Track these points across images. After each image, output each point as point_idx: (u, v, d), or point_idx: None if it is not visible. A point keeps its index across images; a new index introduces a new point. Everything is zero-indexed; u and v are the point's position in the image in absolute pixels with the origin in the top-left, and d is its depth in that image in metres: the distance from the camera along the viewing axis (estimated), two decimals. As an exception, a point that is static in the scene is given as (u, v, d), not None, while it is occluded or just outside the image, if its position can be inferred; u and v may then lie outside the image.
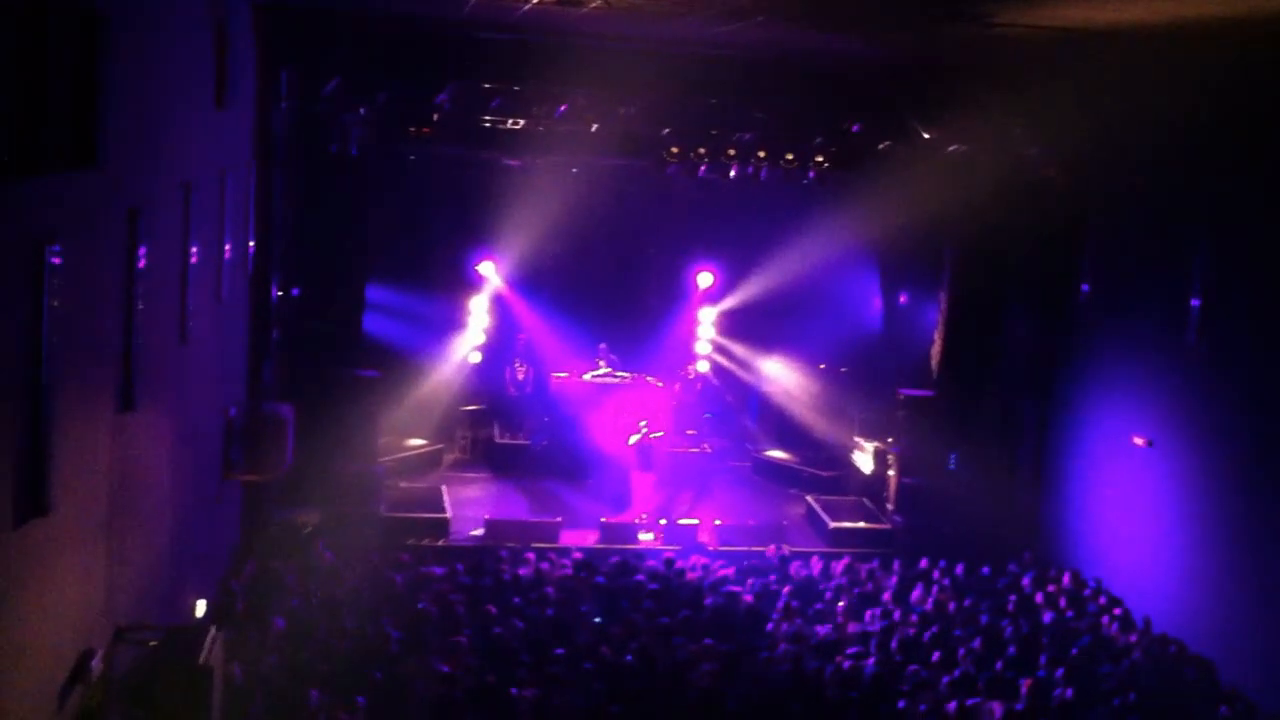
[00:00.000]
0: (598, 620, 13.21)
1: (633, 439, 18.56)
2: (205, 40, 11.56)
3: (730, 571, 15.57)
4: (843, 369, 21.43)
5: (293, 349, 16.84)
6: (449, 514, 17.16)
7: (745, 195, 19.99)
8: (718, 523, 17.50)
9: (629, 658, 12.09)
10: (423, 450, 20.04)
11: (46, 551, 6.68)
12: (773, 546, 16.54)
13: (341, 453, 16.53)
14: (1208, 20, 10.13)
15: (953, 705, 11.62)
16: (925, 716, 11.50)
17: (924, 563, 16.04)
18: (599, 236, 21.33)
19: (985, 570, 16.03)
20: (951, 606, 14.58)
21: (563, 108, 16.67)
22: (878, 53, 14.95)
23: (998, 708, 11.67)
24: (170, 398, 10.24)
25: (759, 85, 16.49)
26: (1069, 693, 12.12)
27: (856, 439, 20.18)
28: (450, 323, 21.27)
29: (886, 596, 14.89)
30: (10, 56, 5.73)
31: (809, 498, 19.10)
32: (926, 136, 16.90)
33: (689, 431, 20.84)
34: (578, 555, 15.68)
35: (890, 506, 18.54)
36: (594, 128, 17.09)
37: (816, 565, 15.96)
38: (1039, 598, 15.20)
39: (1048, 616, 14.51)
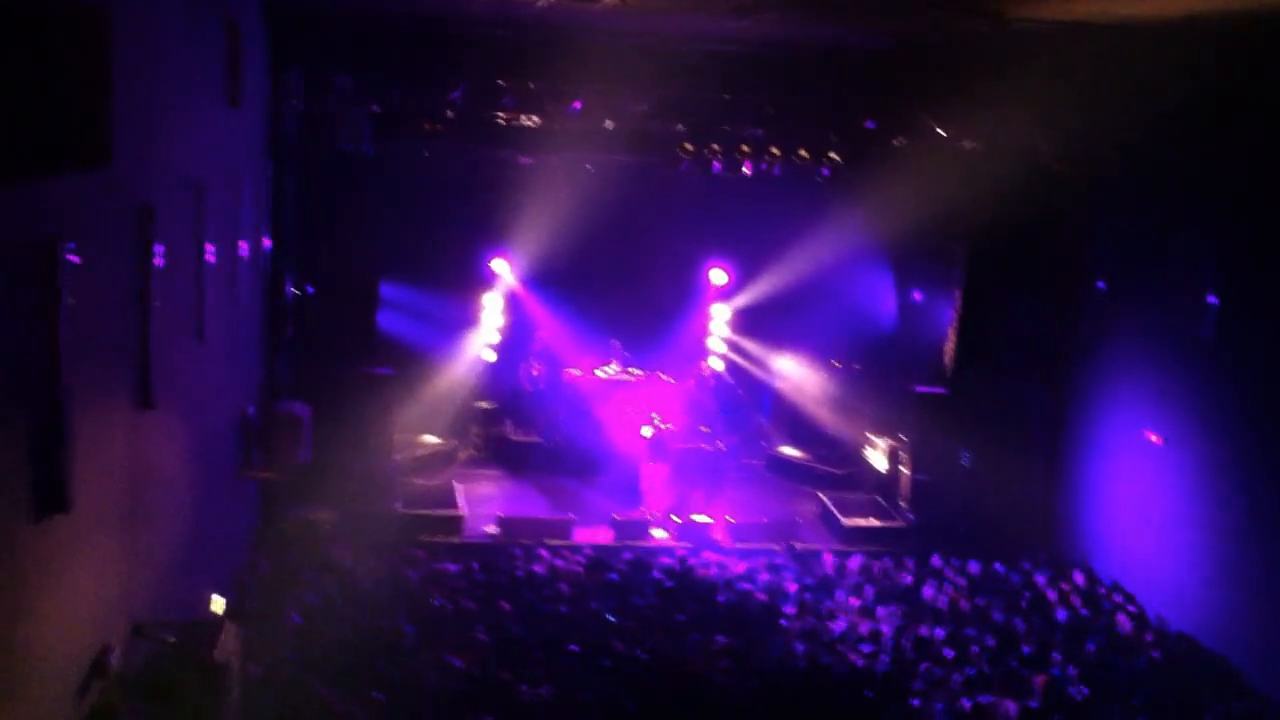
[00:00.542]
0: (611, 617, 13.23)
1: (645, 431, 18.59)
2: (217, 38, 11.58)
3: (743, 568, 15.59)
4: (856, 366, 21.40)
5: (307, 347, 16.88)
6: (463, 511, 17.20)
7: (758, 192, 19.95)
8: (730, 520, 17.51)
9: (643, 655, 12.10)
10: (436, 447, 20.08)
11: (65, 548, 6.72)
12: (785, 544, 16.54)
13: (356, 450, 16.56)
14: (1222, 12, 10.10)
15: (967, 703, 11.61)
16: (939, 714, 11.49)
17: (937, 560, 16.03)
18: (612, 233, 21.29)
19: (999, 567, 16.01)
20: (965, 604, 14.56)
21: (576, 105, 16.67)
22: (891, 48, 14.94)
23: (1012, 706, 11.66)
24: (187, 396, 10.28)
25: (772, 81, 16.48)
26: (1084, 691, 12.10)
27: (869, 436, 20.16)
28: (463, 320, 21.29)
29: (900, 594, 14.89)
30: (19, 56, 5.75)
31: (822, 495, 19.08)
32: (939, 132, 16.87)
33: (702, 428, 20.83)
34: (590, 552, 15.71)
35: (903, 503, 18.52)
36: (607, 124, 17.09)
37: (830, 562, 15.97)
38: (1052, 595, 15.18)
39: (1062, 614, 14.48)
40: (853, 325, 21.64)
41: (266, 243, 14.95)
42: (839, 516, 18.00)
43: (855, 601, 14.45)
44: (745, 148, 17.66)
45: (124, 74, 7.35)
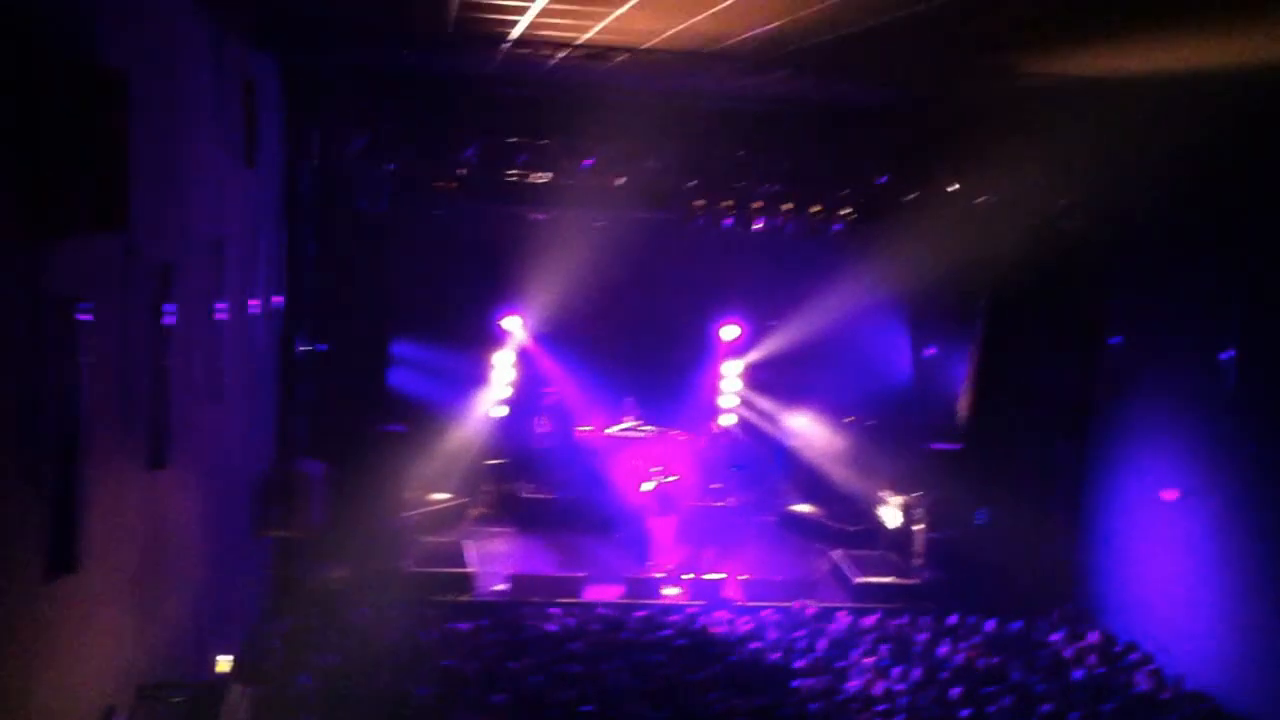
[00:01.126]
0: (625, 676, 13.09)
1: (647, 485, 18.54)
2: (235, 99, 11.68)
3: (756, 627, 15.45)
4: (870, 422, 21.30)
5: (320, 405, 16.87)
6: (474, 569, 17.09)
7: (771, 247, 20.00)
8: (744, 577, 17.36)
9: (656, 715, 11.96)
10: (447, 504, 20.00)
11: (75, 608, 6.67)
12: (799, 602, 16.40)
13: (369, 508, 16.48)
14: (1236, 66, 10.12)
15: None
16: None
17: (953, 618, 15.87)
18: (624, 290, 21.35)
19: (1015, 625, 15.84)
20: (981, 663, 14.39)
21: (588, 161, 16.76)
22: (903, 104, 15.00)
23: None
24: (202, 455, 10.26)
25: (784, 137, 16.56)
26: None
27: (884, 493, 20.03)
28: (475, 377, 21.29)
29: (915, 652, 14.72)
30: (38, 117, 5.80)
31: (836, 552, 18.94)
32: (953, 187, 16.90)
33: (715, 485, 20.74)
34: (603, 610, 15.59)
35: (918, 561, 18.36)
36: (619, 181, 17.17)
37: (844, 621, 15.81)
38: (1069, 653, 15.01)
39: (1079, 674, 14.30)
40: (866, 381, 21.58)
41: (280, 301, 14.99)
42: (853, 574, 17.85)
43: (870, 660, 14.29)
44: (758, 204, 17.68)
45: (142, 135, 7.41)
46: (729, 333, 22.20)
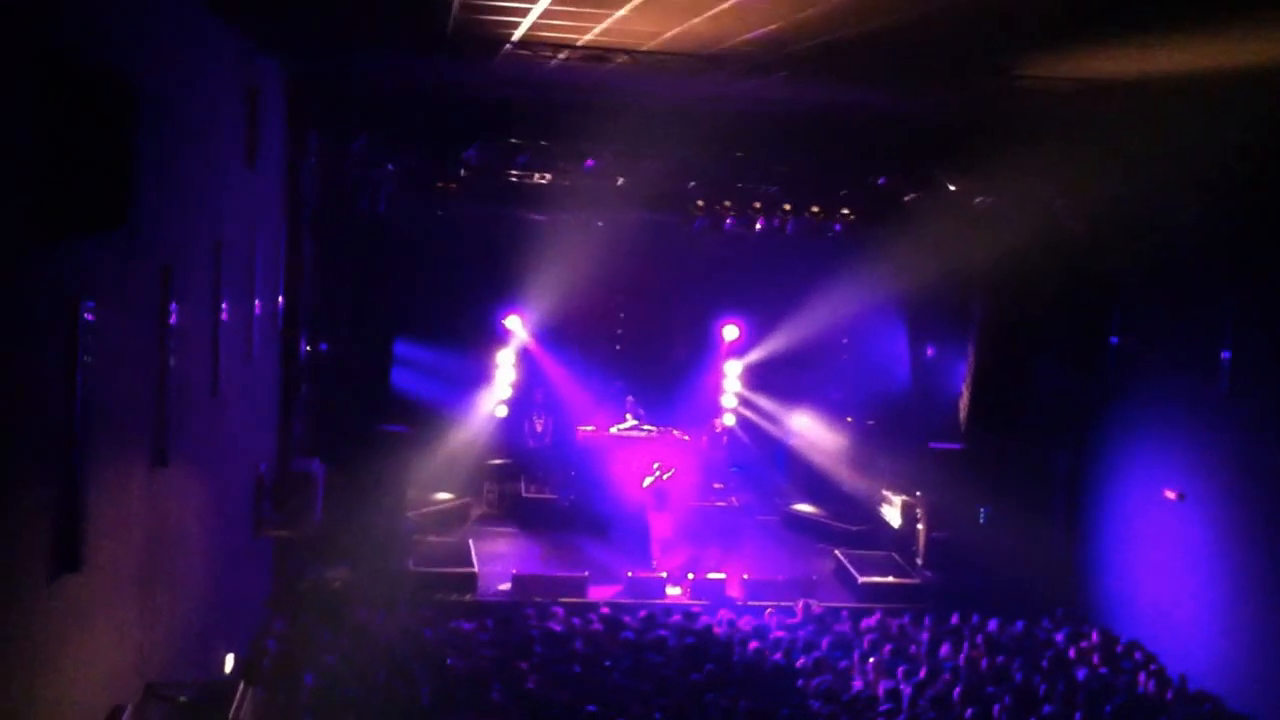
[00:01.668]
0: (626, 676, 13.12)
1: (646, 481, 18.59)
2: (236, 102, 11.73)
3: (758, 626, 15.47)
4: (870, 422, 21.34)
5: (322, 405, 16.92)
6: (477, 569, 17.13)
7: (771, 248, 20.04)
8: (746, 577, 17.39)
9: (659, 715, 11.99)
10: (450, 504, 20.04)
11: (79, 607, 6.71)
12: (802, 602, 16.42)
13: (371, 508, 16.53)
14: (1236, 70, 10.14)
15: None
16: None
17: (955, 618, 15.90)
18: (625, 290, 21.42)
19: (1018, 625, 15.86)
20: (984, 663, 14.41)
21: (589, 163, 16.80)
22: (902, 106, 15.02)
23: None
24: (202, 454, 10.30)
25: (784, 139, 16.56)
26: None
27: (885, 493, 20.06)
28: (477, 377, 21.34)
29: (917, 652, 14.74)
30: (43, 121, 5.84)
31: (837, 552, 18.96)
32: (952, 189, 16.94)
33: (716, 485, 20.77)
34: (605, 610, 15.62)
35: (920, 561, 18.39)
36: (620, 182, 17.20)
37: (846, 621, 15.83)
38: (1072, 653, 15.03)
39: (1081, 673, 14.32)
40: (867, 381, 21.63)
41: (282, 301, 15.04)
42: (855, 574, 17.87)
43: (872, 660, 14.30)
44: (758, 205, 17.73)
45: (146, 138, 7.45)
46: (729, 333, 22.23)
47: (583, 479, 20.18)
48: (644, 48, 10.97)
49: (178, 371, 8.79)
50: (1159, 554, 15.77)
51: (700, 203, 17.65)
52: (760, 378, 22.51)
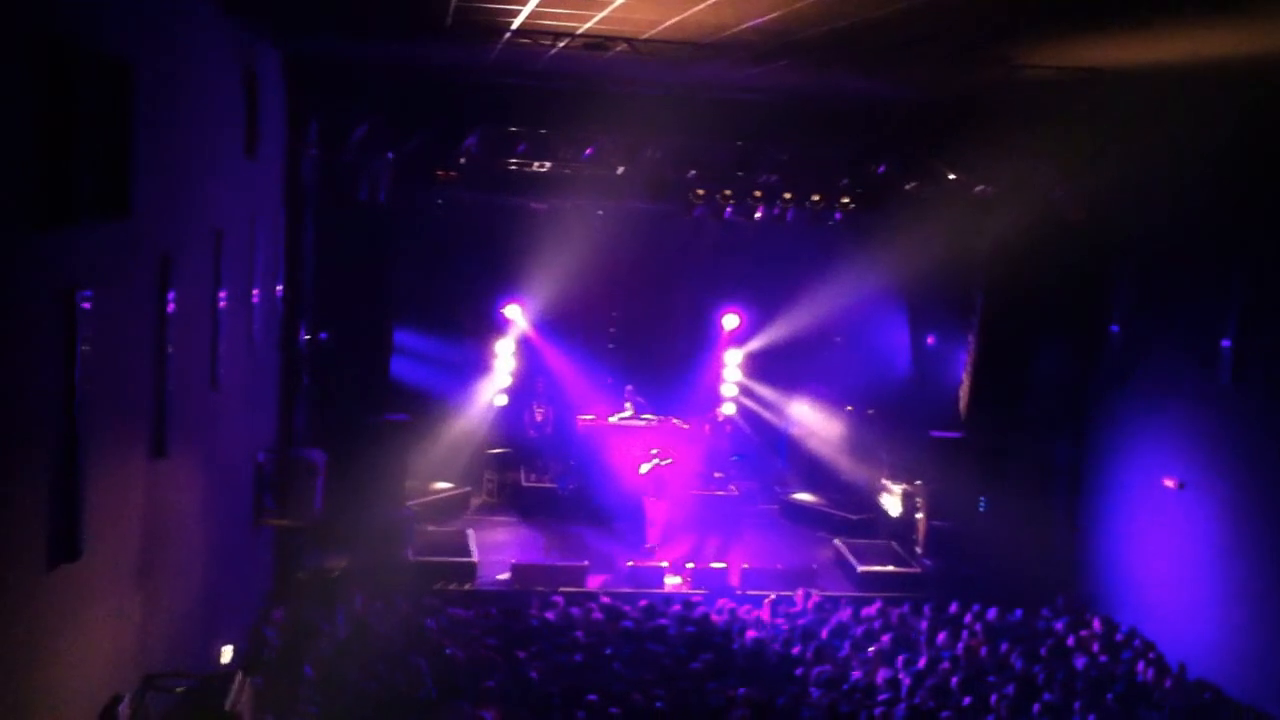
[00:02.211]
0: (626, 665, 13.13)
1: (644, 467, 18.60)
2: (235, 91, 11.70)
3: (758, 615, 15.48)
4: (870, 411, 21.33)
5: (321, 394, 16.91)
6: (476, 558, 17.13)
7: (771, 237, 20.01)
8: (746, 566, 17.40)
9: (660, 704, 12.00)
10: (449, 494, 20.04)
11: (78, 597, 6.70)
12: (802, 590, 16.43)
13: (371, 497, 16.52)
14: (1234, 58, 10.12)
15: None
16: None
17: (955, 607, 15.91)
18: (625, 279, 21.38)
19: (1017, 614, 15.87)
20: (984, 651, 14.43)
21: (589, 151, 16.76)
22: (902, 94, 14.99)
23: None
24: (202, 444, 10.29)
25: (784, 127, 16.54)
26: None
27: (885, 481, 20.05)
28: (477, 366, 21.32)
29: (917, 641, 14.76)
30: (40, 108, 5.82)
31: (838, 541, 18.97)
32: (952, 177, 16.92)
33: (717, 474, 20.77)
34: (605, 599, 15.62)
35: (920, 550, 18.39)
36: (620, 171, 17.17)
37: (846, 610, 15.84)
38: (1071, 642, 15.04)
39: (1081, 662, 14.34)
40: (867, 370, 21.60)
41: (281, 290, 15.02)
42: (855, 563, 17.88)
43: (872, 649, 14.32)
44: (758, 193, 17.68)
45: (145, 126, 7.43)
46: (730, 322, 22.21)
47: (582, 468, 20.18)
48: (643, 36, 10.95)
49: (177, 360, 8.78)
50: (1158, 542, 15.77)
51: (700, 191, 17.59)
52: (760, 366, 22.49)
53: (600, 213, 19.39)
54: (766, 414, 22.59)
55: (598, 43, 11.38)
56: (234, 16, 11.17)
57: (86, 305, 6.41)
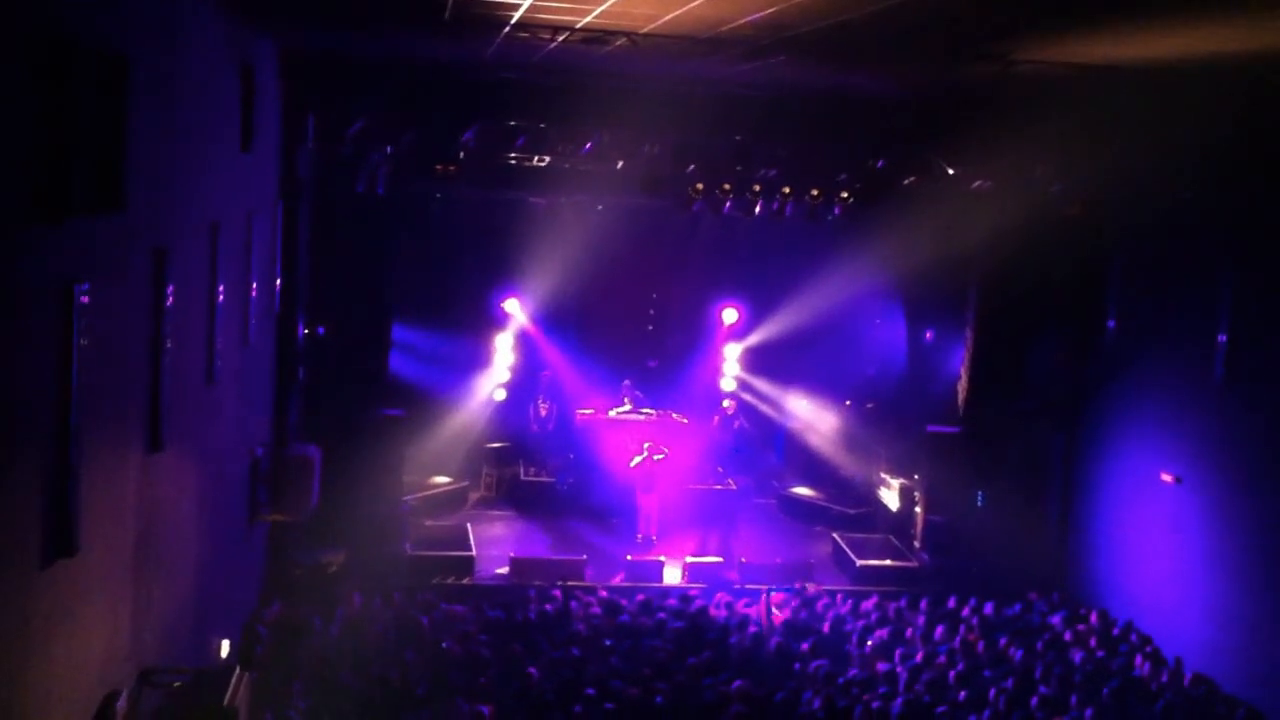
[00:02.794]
0: (624, 659, 13.13)
1: (635, 461, 18.61)
2: (232, 84, 11.68)
3: (756, 610, 15.48)
4: (868, 405, 21.35)
5: (318, 388, 16.89)
6: (474, 552, 17.14)
7: (770, 232, 20.00)
8: (744, 560, 17.40)
9: (658, 699, 12.00)
10: (448, 488, 20.04)
11: (73, 592, 6.69)
12: (799, 585, 16.44)
13: (368, 492, 16.52)
14: (1229, 55, 10.10)
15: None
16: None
17: (952, 601, 15.92)
18: (624, 274, 21.37)
19: (1015, 609, 15.88)
20: (980, 645, 14.44)
21: (587, 146, 16.73)
22: (901, 89, 14.97)
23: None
24: (198, 439, 10.28)
25: (783, 122, 16.52)
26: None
27: (883, 476, 20.07)
28: (475, 361, 21.31)
29: (914, 635, 14.76)
30: (35, 102, 5.80)
31: (835, 535, 18.98)
32: (950, 172, 16.91)
33: (716, 469, 20.77)
34: (603, 594, 15.63)
35: (917, 544, 18.41)
36: (618, 166, 17.15)
37: (844, 604, 15.85)
38: (1068, 636, 15.05)
39: (1078, 656, 14.36)
40: (864, 364, 21.62)
41: (279, 284, 15.00)
42: (853, 557, 17.89)
43: (870, 643, 14.32)
44: (757, 188, 17.66)
45: (140, 119, 7.41)
46: (729, 316, 22.21)
47: (581, 463, 20.18)
48: (643, 30, 10.92)
49: (173, 355, 8.75)
50: (1155, 537, 15.78)
51: (699, 186, 17.56)
52: (759, 361, 22.50)
53: (599, 207, 19.38)
54: (765, 408, 22.59)
55: (597, 37, 11.36)
56: (230, 10, 11.14)
57: (85, 299, 6.39)
